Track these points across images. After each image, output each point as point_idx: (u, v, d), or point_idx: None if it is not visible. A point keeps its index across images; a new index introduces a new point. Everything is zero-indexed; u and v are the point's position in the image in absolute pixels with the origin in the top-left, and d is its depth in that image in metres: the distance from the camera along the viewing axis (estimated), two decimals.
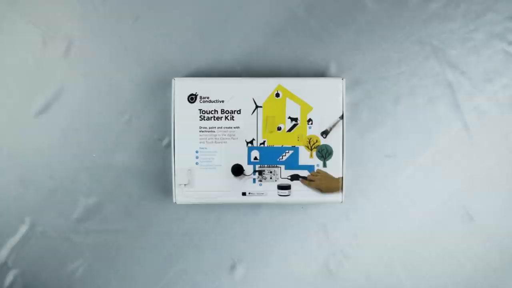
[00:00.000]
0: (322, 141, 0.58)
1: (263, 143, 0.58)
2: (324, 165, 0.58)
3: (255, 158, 0.58)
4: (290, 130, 0.58)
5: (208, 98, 0.57)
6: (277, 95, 0.58)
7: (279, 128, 0.58)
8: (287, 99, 0.57)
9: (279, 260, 0.62)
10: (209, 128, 0.57)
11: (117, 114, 0.61)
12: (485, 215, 0.61)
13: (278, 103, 0.57)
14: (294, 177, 0.58)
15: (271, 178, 0.58)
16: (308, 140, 0.58)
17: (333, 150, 0.58)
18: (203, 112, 0.57)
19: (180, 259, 0.62)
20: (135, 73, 0.60)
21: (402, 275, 0.62)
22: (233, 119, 0.57)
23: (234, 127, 0.57)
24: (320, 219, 0.62)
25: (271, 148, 0.58)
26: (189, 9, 0.60)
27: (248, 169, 0.58)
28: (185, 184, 0.57)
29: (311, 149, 0.58)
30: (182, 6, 0.60)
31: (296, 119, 0.58)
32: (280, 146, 0.58)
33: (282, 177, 0.58)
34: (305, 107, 0.57)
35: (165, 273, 0.62)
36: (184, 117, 0.57)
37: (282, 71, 0.60)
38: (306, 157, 0.58)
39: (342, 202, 0.58)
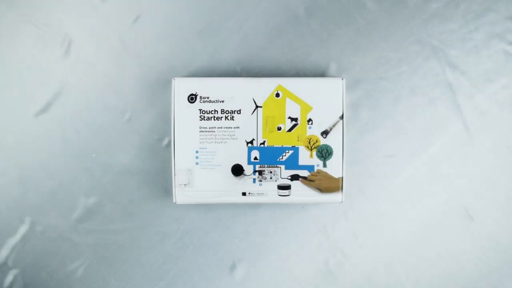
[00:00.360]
0: (322, 141, 0.58)
1: (263, 143, 0.58)
2: (324, 165, 0.58)
3: (255, 158, 0.58)
4: (290, 130, 0.58)
5: (208, 98, 0.57)
6: (277, 95, 0.58)
7: (279, 128, 0.58)
8: (287, 99, 0.57)
9: (279, 260, 0.62)
10: (209, 128, 0.57)
11: (117, 114, 0.61)
12: (485, 215, 0.61)
13: (278, 103, 0.57)
14: (294, 177, 0.58)
15: (271, 178, 0.58)
16: (308, 140, 0.58)
17: (333, 150, 0.58)
18: (203, 112, 0.57)
19: (180, 259, 0.62)
20: (135, 73, 0.60)
21: (402, 275, 0.62)
22: (233, 119, 0.57)
23: (234, 127, 0.57)
24: (320, 219, 0.62)
25: (271, 148, 0.58)
26: (189, 9, 0.60)
27: (248, 169, 0.58)
28: (185, 184, 0.57)
29: (311, 149, 0.58)
30: (182, 6, 0.60)
31: (296, 119, 0.58)
32: (280, 146, 0.58)
33: (282, 177, 0.58)
34: (305, 107, 0.57)
35: (165, 273, 0.62)
36: (184, 117, 0.57)
37: (282, 71, 0.60)
38: (306, 157, 0.58)
39: (342, 202, 0.57)
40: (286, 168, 0.58)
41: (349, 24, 0.60)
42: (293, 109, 0.58)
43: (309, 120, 0.57)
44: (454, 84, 0.61)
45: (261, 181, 0.58)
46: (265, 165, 0.58)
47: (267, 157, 0.58)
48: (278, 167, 0.58)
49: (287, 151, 0.58)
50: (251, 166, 0.58)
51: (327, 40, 0.60)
